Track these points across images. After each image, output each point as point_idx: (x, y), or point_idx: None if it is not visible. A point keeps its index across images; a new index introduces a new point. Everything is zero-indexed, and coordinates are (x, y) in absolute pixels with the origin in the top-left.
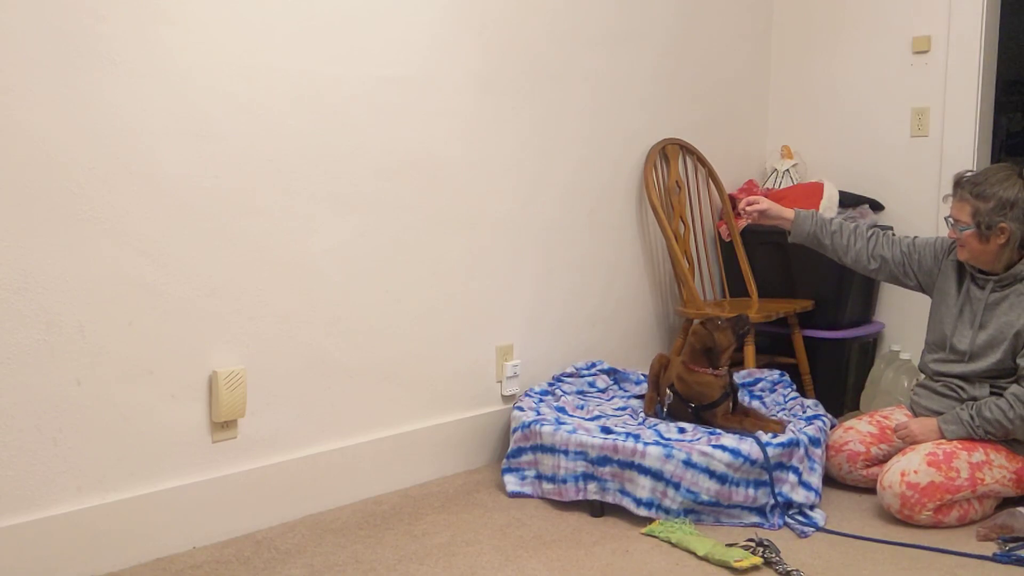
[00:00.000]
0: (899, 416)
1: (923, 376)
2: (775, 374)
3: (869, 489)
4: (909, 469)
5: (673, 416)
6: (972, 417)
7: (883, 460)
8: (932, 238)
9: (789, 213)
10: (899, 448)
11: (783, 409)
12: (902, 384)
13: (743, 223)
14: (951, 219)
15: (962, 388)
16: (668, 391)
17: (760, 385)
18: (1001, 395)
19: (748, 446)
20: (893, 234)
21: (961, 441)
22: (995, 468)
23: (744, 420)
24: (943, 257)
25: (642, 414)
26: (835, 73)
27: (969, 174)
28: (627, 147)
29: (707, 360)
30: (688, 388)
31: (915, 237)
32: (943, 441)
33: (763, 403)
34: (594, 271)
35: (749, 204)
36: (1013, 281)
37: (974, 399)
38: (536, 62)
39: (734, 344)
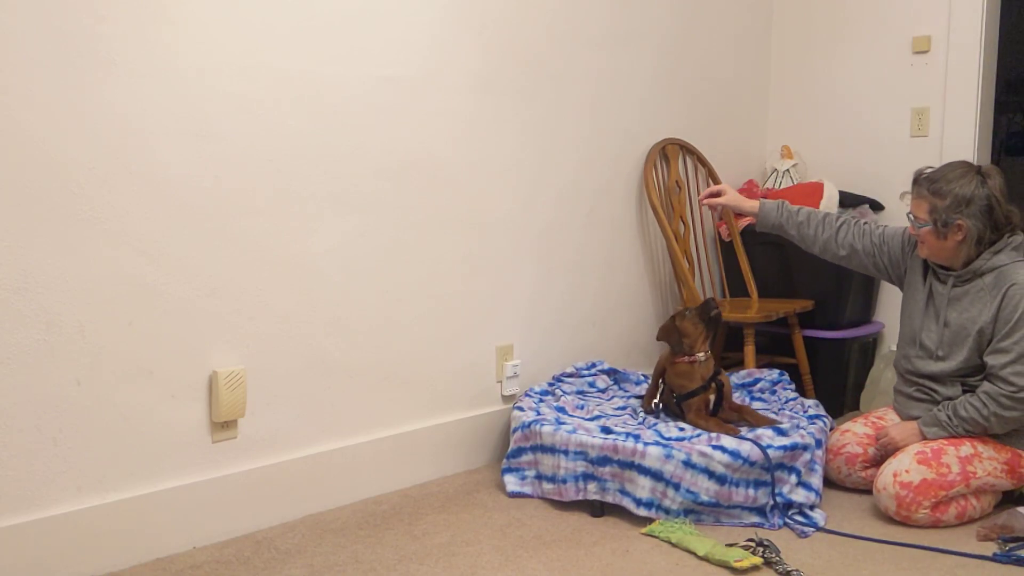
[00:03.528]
0: (894, 416)
1: (897, 378)
2: (774, 374)
3: (869, 490)
4: (901, 469)
5: (666, 407)
6: (949, 418)
7: (882, 460)
8: (901, 229)
9: (751, 205)
10: (888, 452)
11: (781, 410)
12: None
13: (743, 223)
14: (911, 215)
15: (935, 390)
16: (661, 383)
17: (759, 385)
18: (974, 393)
19: (748, 448)
20: (865, 223)
21: (946, 438)
22: (985, 460)
23: (710, 421)
24: (910, 251)
25: (642, 413)
26: (835, 73)
27: (929, 171)
28: (627, 147)
29: (680, 349)
30: (671, 378)
31: (885, 227)
32: (929, 440)
33: (764, 403)
34: (594, 271)
35: (710, 196)
36: (972, 277)
37: (949, 399)
38: (536, 62)
39: (703, 330)
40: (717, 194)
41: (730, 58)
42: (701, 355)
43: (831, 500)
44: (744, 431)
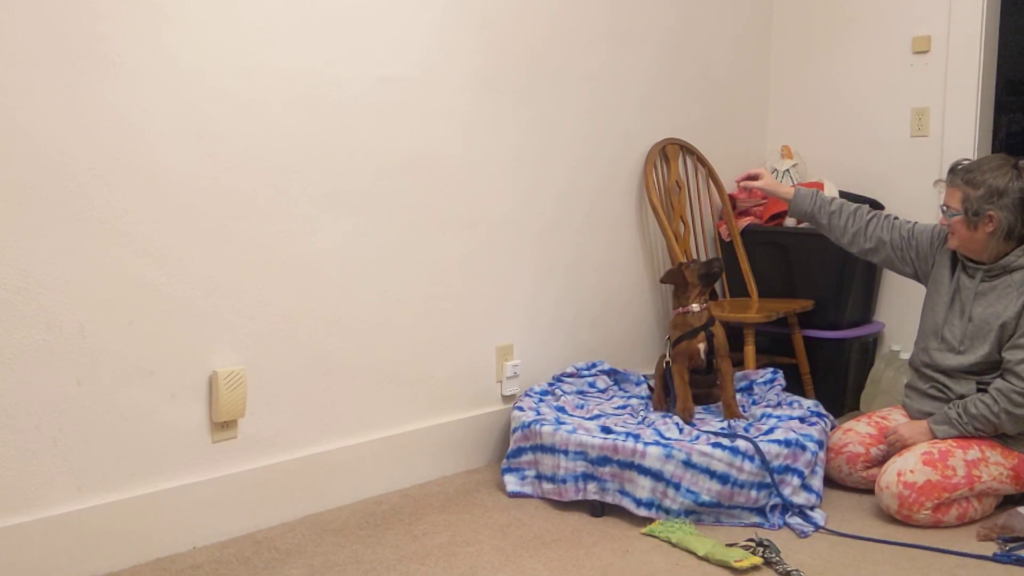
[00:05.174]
0: (897, 416)
1: (912, 374)
2: (767, 373)
3: (869, 490)
4: (905, 469)
5: (667, 370)
6: (960, 415)
7: (883, 461)
8: (931, 225)
9: (788, 190)
10: (896, 450)
11: (771, 407)
12: (902, 384)
13: (743, 223)
14: (944, 206)
15: (948, 387)
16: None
17: (754, 389)
18: (987, 390)
19: (745, 445)
20: (895, 218)
21: (956, 439)
22: (991, 465)
23: (685, 385)
24: (939, 245)
25: (642, 412)
26: (835, 73)
27: (966, 162)
28: (626, 147)
29: (676, 298)
30: (669, 330)
31: (915, 223)
32: (938, 440)
33: (754, 403)
34: (594, 271)
35: (748, 178)
36: (1001, 272)
37: (962, 397)
38: (536, 61)
39: (698, 285)
40: (755, 177)
41: (730, 58)
42: (695, 307)
43: (831, 500)
44: (724, 422)
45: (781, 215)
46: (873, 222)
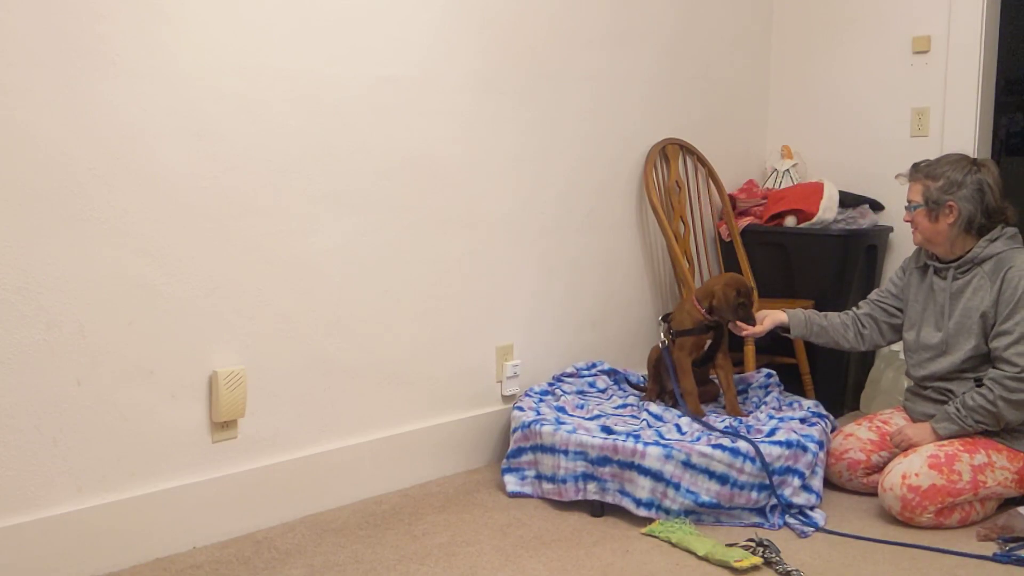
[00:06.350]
0: (899, 420)
1: (911, 383)
2: (761, 376)
3: (869, 492)
4: (911, 472)
5: (666, 349)
6: (959, 409)
7: (884, 467)
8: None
9: (782, 316)
10: (903, 450)
11: (775, 410)
12: (902, 384)
13: (743, 223)
14: (906, 201)
15: (950, 391)
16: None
17: (750, 392)
18: (982, 382)
19: (746, 447)
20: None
21: (963, 443)
22: (997, 470)
23: (688, 366)
24: (906, 268)
25: (644, 413)
26: (835, 73)
27: (927, 160)
28: (627, 147)
29: (707, 306)
30: (676, 314)
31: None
32: (944, 443)
33: (756, 406)
34: (594, 271)
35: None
36: (971, 266)
37: None
38: (536, 62)
39: (728, 313)
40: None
41: (730, 58)
42: (712, 319)
43: (831, 501)
44: (726, 419)
45: (781, 215)
46: (855, 309)
